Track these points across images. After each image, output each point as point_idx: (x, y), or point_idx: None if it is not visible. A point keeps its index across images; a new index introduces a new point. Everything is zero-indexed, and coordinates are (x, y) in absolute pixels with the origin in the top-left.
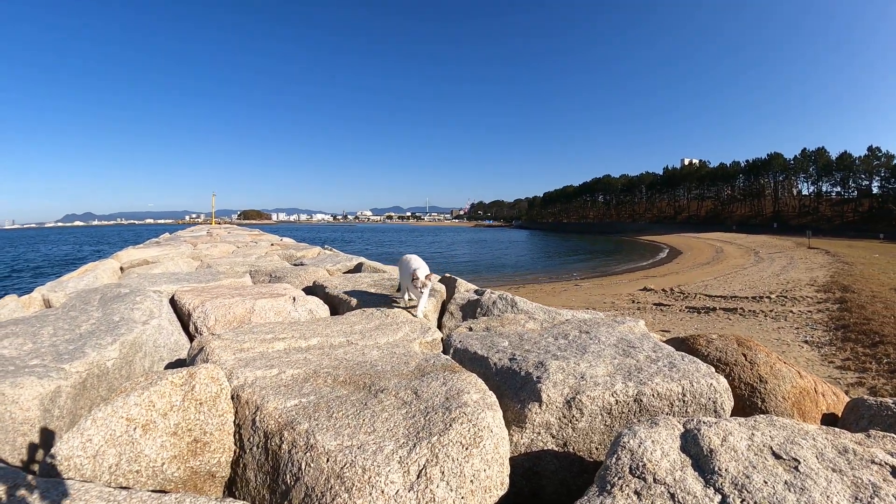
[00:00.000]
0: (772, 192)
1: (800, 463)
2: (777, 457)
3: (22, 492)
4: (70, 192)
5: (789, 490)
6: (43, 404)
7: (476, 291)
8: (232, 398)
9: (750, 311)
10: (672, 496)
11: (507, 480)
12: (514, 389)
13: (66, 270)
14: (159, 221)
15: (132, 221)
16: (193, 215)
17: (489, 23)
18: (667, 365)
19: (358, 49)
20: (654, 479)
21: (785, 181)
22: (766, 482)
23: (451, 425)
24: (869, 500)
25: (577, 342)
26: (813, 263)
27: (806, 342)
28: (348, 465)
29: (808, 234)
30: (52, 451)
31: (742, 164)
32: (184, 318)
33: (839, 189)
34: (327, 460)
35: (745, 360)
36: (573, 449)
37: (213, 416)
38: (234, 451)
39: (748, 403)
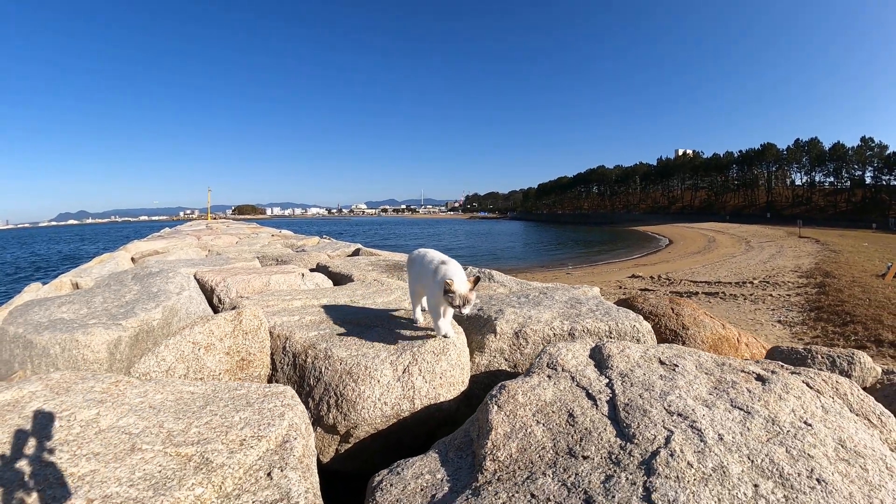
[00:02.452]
0: (765, 183)
1: (678, 367)
2: (662, 363)
3: (123, 386)
4: (63, 191)
5: (660, 379)
6: (109, 349)
7: (484, 273)
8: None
9: (731, 294)
10: (573, 378)
11: (466, 380)
12: (479, 327)
13: (72, 268)
14: (153, 218)
15: (127, 219)
16: (188, 211)
17: (484, 19)
18: (602, 313)
19: (352, 44)
20: (563, 369)
21: (778, 171)
22: (644, 374)
23: (427, 341)
24: (725, 389)
25: (535, 300)
26: (801, 252)
27: (779, 322)
28: (356, 365)
29: (798, 223)
30: (132, 369)
31: (735, 155)
32: (207, 292)
33: (832, 179)
34: (340, 363)
35: (673, 312)
36: (521, 369)
37: (255, 342)
38: (269, 372)
39: None
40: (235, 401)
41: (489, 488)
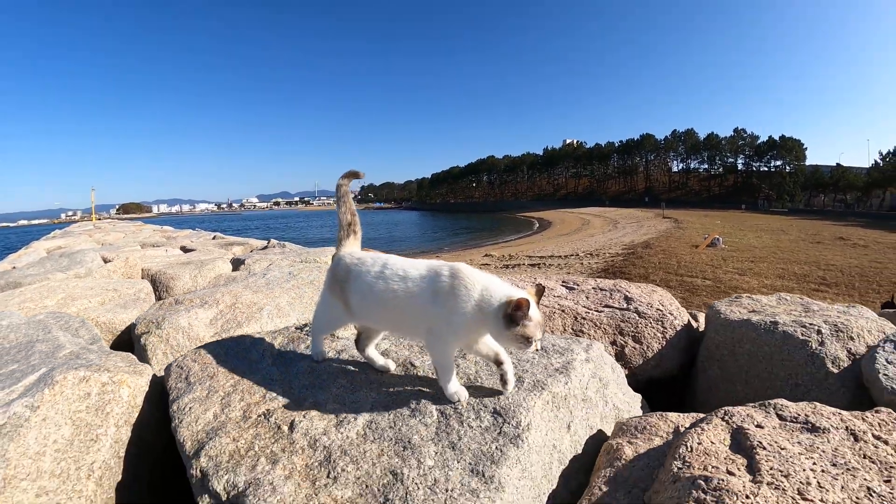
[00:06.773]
0: (644, 170)
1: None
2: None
3: (90, 277)
4: None
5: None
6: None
7: (279, 244)
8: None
9: (550, 264)
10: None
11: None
12: (241, 265)
13: None
14: (33, 222)
15: (6, 224)
16: (70, 213)
17: (378, 2)
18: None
19: (237, 30)
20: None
21: (656, 159)
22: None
23: (210, 265)
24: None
25: (302, 256)
26: (651, 230)
27: (563, 283)
28: (175, 275)
29: (662, 205)
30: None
31: (616, 145)
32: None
33: (706, 166)
34: (168, 275)
35: None
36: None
37: (136, 270)
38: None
39: None
40: (127, 282)
41: None
